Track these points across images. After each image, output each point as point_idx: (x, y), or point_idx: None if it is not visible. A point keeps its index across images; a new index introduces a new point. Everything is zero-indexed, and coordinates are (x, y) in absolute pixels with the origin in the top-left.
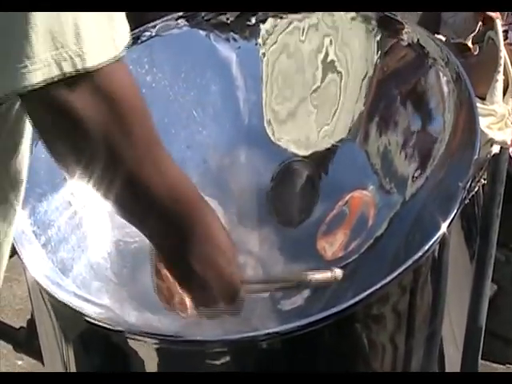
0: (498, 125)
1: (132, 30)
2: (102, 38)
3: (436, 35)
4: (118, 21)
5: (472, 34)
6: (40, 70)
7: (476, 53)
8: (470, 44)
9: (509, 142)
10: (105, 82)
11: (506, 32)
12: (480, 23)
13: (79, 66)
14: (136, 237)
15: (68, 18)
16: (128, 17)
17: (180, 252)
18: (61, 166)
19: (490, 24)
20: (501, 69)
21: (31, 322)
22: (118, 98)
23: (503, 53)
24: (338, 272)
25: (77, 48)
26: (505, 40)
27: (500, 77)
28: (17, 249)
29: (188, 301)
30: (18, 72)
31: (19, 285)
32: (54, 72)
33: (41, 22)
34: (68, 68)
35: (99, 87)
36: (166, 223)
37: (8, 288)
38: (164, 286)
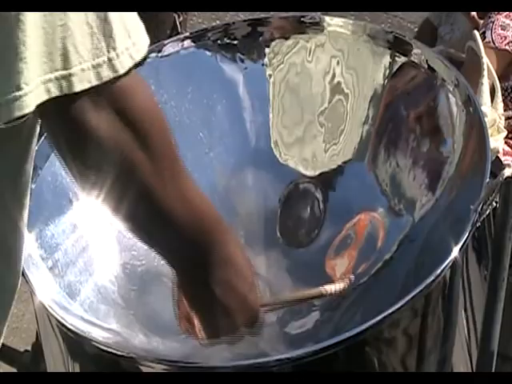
0: (489, 130)
1: None
2: (94, 59)
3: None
4: (121, 36)
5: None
6: (29, 95)
7: None
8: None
9: (501, 150)
10: (119, 99)
11: (483, 33)
12: None
13: (65, 91)
14: (143, 259)
15: (56, 38)
16: None
17: (199, 274)
18: (77, 182)
19: None
20: (485, 73)
21: (36, 346)
22: (134, 115)
23: (485, 59)
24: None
25: (63, 71)
26: (483, 40)
27: (485, 80)
28: (24, 273)
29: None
30: (10, 103)
31: (15, 303)
32: (43, 96)
33: (31, 45)
34: (55, 91)
35: (114, 104)
36: (182, 242)
37: None
38: (185, 314)
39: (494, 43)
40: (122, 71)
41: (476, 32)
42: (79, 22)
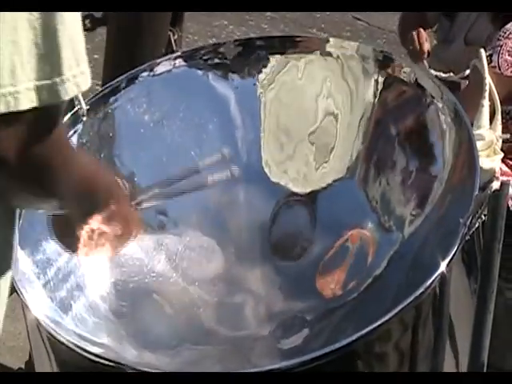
0: (486, 151)
1: (130, 69)
2: (39, 80)
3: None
4: (70, 63)
5: (467, 71)
6: None
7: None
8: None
9: (497, 170)
10: (34, 127)
11: (490, 56)
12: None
13: (12, 108)
14: (134, 276)
15: (5, 53)
16: (126, 56)
17: None
18: None
19: None
20: (486, 94)
21: (29, 364)
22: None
23: (488, 79)
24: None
25: (12, 88)
26: (489, 64)
27: (486, 102)
28: (17, 289)
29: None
30: None
31: (12, 321)
32: None
33: None
34: (2, 108)
35: (28, 131)
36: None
37: None
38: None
39: (500, 69)
40: (64, 98)
41: (482, 50)
42: (28, 41)
